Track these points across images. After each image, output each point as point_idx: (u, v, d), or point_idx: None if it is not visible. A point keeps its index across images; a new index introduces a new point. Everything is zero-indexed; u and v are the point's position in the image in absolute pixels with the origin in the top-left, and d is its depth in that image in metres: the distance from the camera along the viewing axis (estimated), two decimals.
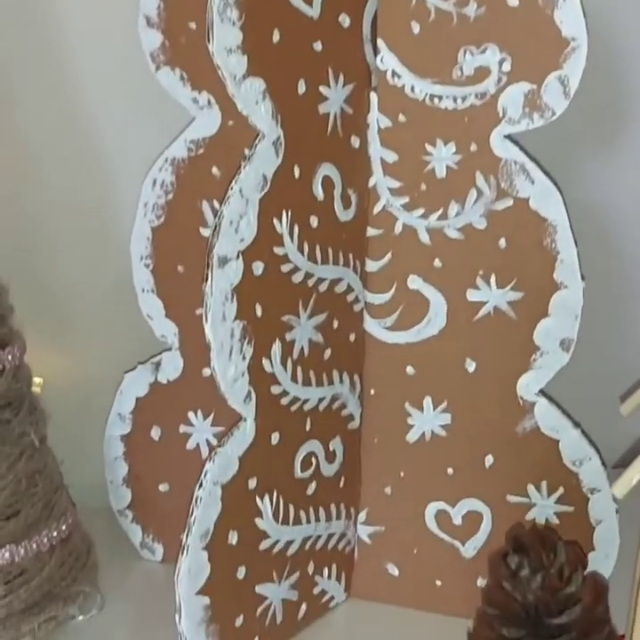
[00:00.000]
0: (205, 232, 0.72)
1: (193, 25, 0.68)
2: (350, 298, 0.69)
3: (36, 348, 0.71)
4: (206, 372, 0.69)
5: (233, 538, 0.62)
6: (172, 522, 0.75)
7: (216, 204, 0.70)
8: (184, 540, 0.59)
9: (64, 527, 0.68)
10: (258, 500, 0.64)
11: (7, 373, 0.64)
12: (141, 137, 0.74)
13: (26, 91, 0.78)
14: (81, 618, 0.68)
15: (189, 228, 0.73)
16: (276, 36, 0.57)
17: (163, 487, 0.78)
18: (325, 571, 0.71)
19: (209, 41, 0.54)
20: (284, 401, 0.64)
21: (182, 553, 0.59)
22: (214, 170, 0.71)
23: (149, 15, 0.69)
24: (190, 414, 0.76)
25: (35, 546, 0.65)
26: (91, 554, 0.71)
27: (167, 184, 0.72)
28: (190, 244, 0.72)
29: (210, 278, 0.57)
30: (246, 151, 0.62)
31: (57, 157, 0.80)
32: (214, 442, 0.76)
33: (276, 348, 0.62)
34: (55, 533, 0.67)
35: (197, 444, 0.77)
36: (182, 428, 0.77)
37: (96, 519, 0.79)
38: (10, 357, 0.65)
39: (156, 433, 0.78)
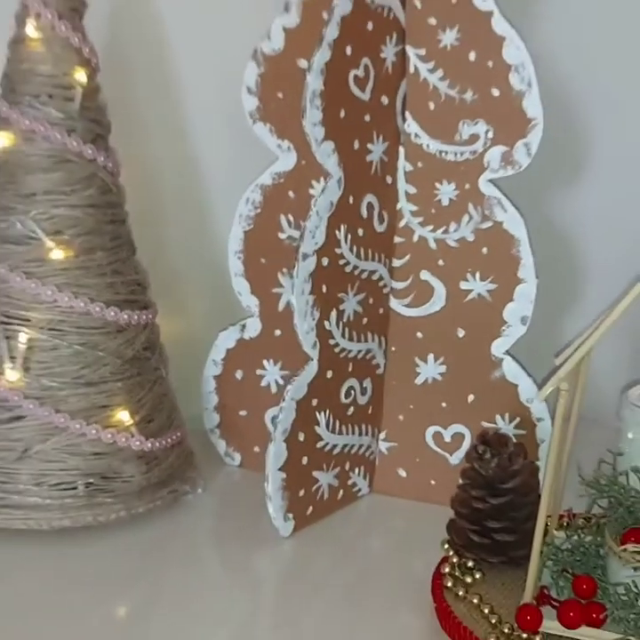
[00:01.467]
0: (282, 236, 0.92)
1: (280, 94, 0.89)
2: (381, 284, 0.89)
3: (161, 314, 0.91)
4: (277, 332, 0.94)
5: (301, 436, 0.83)
6: (247, 438, 0.97)
7: (290, 217, 0.92)
8: (272, 434, 0.81)
9: (179, 433, 0.90)
10: (317, 413, 0.85)
11: (149, 326, 0.88)
12: (241, 169, 0.94)
13: (158, 134, 1.00)
14: (190, 495, 0.89)
15: (270, 233, 0.93)
16: (342, 113, 0.80)
17: (242, 413, 0.97)
18: (356, 470, 0.91)
19: (303, 117, 0.77)
20: (336, 350, 0.85)
21: (271, 441, 0.81)
22: (290, 194, 0.91)
23: (250, 86, 0.90)
24: (264, 362, 0.95)
25: (163, 442, 0.86)
26: (194, 456, 0.93)
27: (256, 202, 0.92)
28: (270, 244, 0.93)
29: (296, 267, 0.79)
30: (322, 185, 0.83)
31: (181, 185, 1.01)
32: (281, 382, 0.95)
33: (333, 314, 0.84)
34: (174, 437, 0.88)
35: (268, 383, 0.95)
36: (258, 371, 0.95)
37: (195, 435, 0.95)
38: (151, 316, 0.88)
39: (239, 374, 0.96)
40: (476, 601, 0.72)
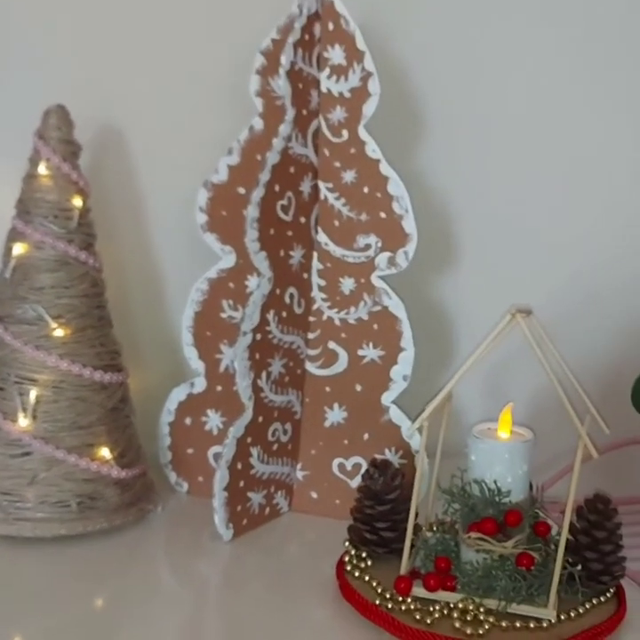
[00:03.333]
0: (223, 315, 1.07)
1: (224, 212, 1.05)
2: (299, 351, 1.04)
3: (130, 374, 1.08)
4: (218, 388, 1.09)
5: (239, 465, 0.97)
6: (193, 470, 1.10)
7: (230, 301, 1.08)
8: (218, 463, 0.97)
9: (143, 466, 1.05)
10: (251, 448, 0.99)
11: (123, 385, 1.07)
12: (192, 266, 1.08)
13: (131, 241, 1.15)
14: (152, 512, 1.03)
15: (214, 313, 1.06)
16: (272, 231, 0.99)
17: (189, 451, 1.09)
18: (279, 492, 1.04)
19: (245, 236, 0.96)
20: (265, 401, 1.00)
21: (217, 469, 0.96)
22: (230, 284, 1.06)
23: (201, 206, 1.05)
24: (208, 411, 1.09)
25: (133, 472, 1.01)
26: (153, 483, 1.09)
27: (204, 290, 1.06)
28: (214, 321, 1.07)
29: (238, 341, 0.95)
30: (255, 282, 1.03)
31: (148, 278, 1.16)
32: (221, 426, 1.07)
33: (264, 374, 1.00)
34: (140, 468, 1.03)
35: (211, 428, 1.09)
36: (203, 418, 1.09)
37: (152, 468, 1.08)
38: (125, 377, 1.07)
39: (188, 420, 1.09)
40: (367, 578, 0.89)
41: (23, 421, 0.98)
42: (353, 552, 0.93)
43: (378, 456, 1.02)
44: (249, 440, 1.01)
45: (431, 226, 1.04)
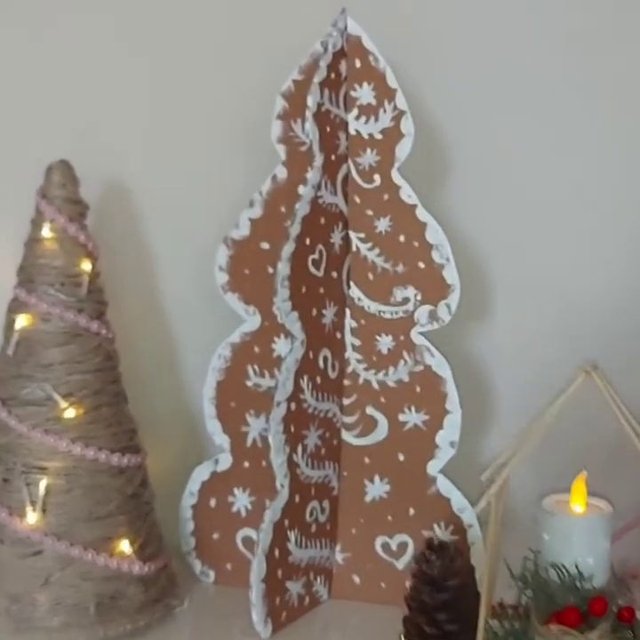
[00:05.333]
0: (249, 383, 1.02)
1: (247, 271, 1.01)
2: (335, 419, 1.00)
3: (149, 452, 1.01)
4: (245, 464, 1.03)
5: (276, 552, 0.93)
6: (220, 557, 1.05)
7: (256, 367, 1.02)
8: (255, 551, 0.91)
9: (166, 557, 1.00)
10: (288, 532, 0.95)
11: (142, 467, 0.99)
12: (213, 330, 1.04)
13: (145, 305, 1.10)
14: (178, 608, 0.99)
15: (239, 381, 1.02)
16: (303, 289, 0.93)
17: (215, 535, 1.04)
18: (319, 578, 1.00)
19: (275, 296, 0.90)
20: (302, 478, 0.96)
21: (254, 557, 0.91)
22: (255, 349, 1.02)
23: (221, 265, 1.01)
24: (235, 490, 1.03)
25: (156, 565, 0.97)
26: (176, 575, 1.03)
27: (227, 357, 1.02)
28: (239, 390, 1.03)
29: (272, 413, 0.91)
30: (283, 344, 0.98)
31: (164, 345, 1.12)
32: (249, 507, 1.03)
33: (299, 448, 0.95)
34: (162, 560, 0.99)
35: (238, 509, 1.03)
36: (229, 499, 1.03)
37: (173, 556, 1.02)
38: (143, 457, 0.99)
39: (213, 502, 1.04)
40: None
41: (32, 516, 0.92)
42: None
43: (426, 533, 0.98)
44: (286, 523, 0.95)
45: (462, 273, 0.98)
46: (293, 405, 0.94)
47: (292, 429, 0.95)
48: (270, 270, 0.98)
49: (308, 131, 0.93)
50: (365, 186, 0.99)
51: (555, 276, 1.12)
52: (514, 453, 0.83)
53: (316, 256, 0.96)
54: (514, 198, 1.11)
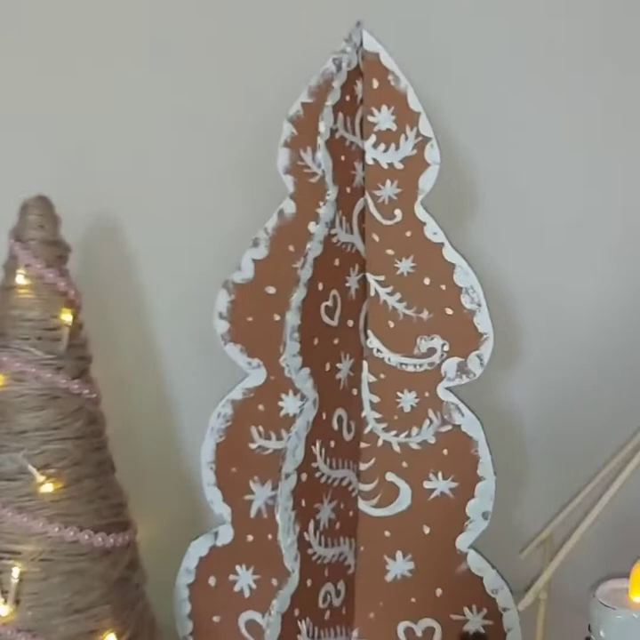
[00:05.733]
0: (253, 445, 0.94)
1: (250, 319, 0.93)
2: (350, 488, 0.92)
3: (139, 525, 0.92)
4: (249, 538, 0.95)
5: None
6: None
7: (260, 428, 0.94)
8: None
9: None
10: (299, 623, 0.85)
11: (131, 545, 0.89)
12: (211, 385, 0.96)
13: (133, 357, 1.02)
14: None
15: (241, 444, 0.94)
16: (316, 342, 0.84)
17: (216, 619, 0.96)
18: None
19: (283, 351, 0.80)
20: (314, 558, 0.87)
21: None
22: (260, 407, 0.94)
23: (221, 311, 0.93)
24: (237, 567, 0.95)
25: None
26: None
27: (227, 416, 0.94)
28: (241, 454, 0.94)
29: (280, 487, 0.81)
30: (292, 402, 0.91)
31: (154, 402, 1.03)
32: (254, 586, 0.95)
33: (311, 525, 0.86)
34: None
35: (241, 588, 0.95)
36: (231, 577, 0.95)
37: None
38: (132, 535, 0.88)
39: (212, 581, 0.96)
40: None
41: (3, 609, 0.81)
42: None
43: (456, 617, 0.92)
44: (296, 613, 0.86)
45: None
46: (304, 476, 0.85)
47: (303, 504, 0.85)
48: (277, 318, 0.93)
49: (320, 160, 0.85)
50: (385, 222, 0.91)
51: (585, 317, 1.07)
52: (570, 538, 0.72)
53: (329, 303, 0.87)
54: (546, 234, 1.07)
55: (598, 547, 0.96)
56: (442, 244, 0.89)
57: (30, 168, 0.98)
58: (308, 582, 0.87)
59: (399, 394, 0.92)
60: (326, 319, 0.86)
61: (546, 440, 1.07)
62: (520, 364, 1.07)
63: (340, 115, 0.86)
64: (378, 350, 0.93)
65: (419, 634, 0.93)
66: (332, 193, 0.85)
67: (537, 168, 1.05)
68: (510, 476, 1.03)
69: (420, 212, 0.89)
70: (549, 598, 0.73)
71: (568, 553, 0.73)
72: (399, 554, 0.94)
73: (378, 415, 0.93)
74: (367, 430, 0.94)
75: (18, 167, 0.98)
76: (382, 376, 0.93)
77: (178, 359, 1.03)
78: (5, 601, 0.80)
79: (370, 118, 0.90)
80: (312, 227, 0.85)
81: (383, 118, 0.89)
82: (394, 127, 0.89)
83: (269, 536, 0.92)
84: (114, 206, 1.00)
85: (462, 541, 0.91)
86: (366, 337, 0.93)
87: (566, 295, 1.07)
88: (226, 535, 0.96)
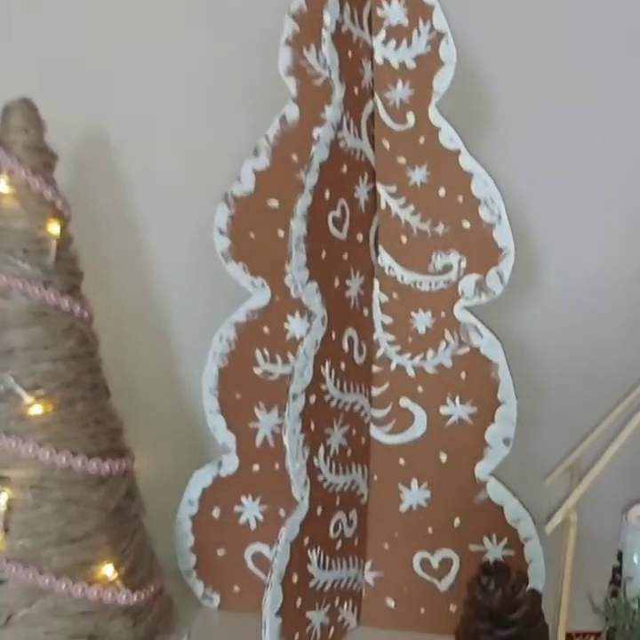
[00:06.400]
0: (257, 370, 0.92)
1: (252, 235, 0.90)
2: (362, 413, 0.90)
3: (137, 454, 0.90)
4: (255, 467, 0.93)
5: (295, 578, 0.82)
6: (226, 578, 0.95)
7: (265, 351, 0.92)
8: (268, 578, 0.79)
9: (159, 582, 0.89)
10: (309, 552, 0.84)
11: (128, 474, 0.86)
12: (213, 307, 0.94)
13: (127, 277, 0.98)
14: None
15: (245, 368, 0.92)
16: (323, 254, 0.81)
17: (220, 552, 0.95)
18: (345, 604, 0.91)
19: (288, 262, 0.77)
20: (325, 485, 0.85)
21: (267, 587, 0.79)
22: (265, 329, 0.91)
23: (221, 227, 0.90)
24: (242, 498, 0.94)
25: (146, 593, 0.85)
26: (173, 602, 0.91)
27: (230, 339, 0.92)
28: (246, 379, 0.93)
29: (287, 408, 0.78)
30: (299, 323, 0.87)
31: (151, 326, 1.00)
32: (260, 518, 0.94)
33: (321, 450, 0.83)
34: (154, 587, 0.87)
35: (247, 520, 0.95)
36: (236, 508, 0.95)
37: (169, 577, 0.93)
38: (129, 462, 0.86)
39: (216, 512, 0.95)
40: None
41: None
42: None
43: (474, 547, 0.89)
44: (306, 542, 0.84)
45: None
46: (313, 398, 0.82)
47: (312, 427, 0.82)
48: (280, 234, 0.89)
49: (326, 55, 0.80)
50: (396, 127, 0.88)
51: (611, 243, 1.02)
52: (600, 460, 0.67)
53: (337, 213, 0.83)
54: (560, 153, 1.00)
55: (620, 478, 0.91)
56: (458, 151, 0.85)
57: (14, 68, 0.94)
58: (319, 510, 0.84)
59: (413, 314, 0.90)
60: (334, 231, 0.82)
61: (568, 368, 1.03)
62: (537, 290, 1.03)
63: (347, 6, 0.81)
64: (390, 268, 0.90)
65: (435, 565, 0.92)
66: (338, 93, 0.81)
67: (552, 80, 0.98)
68: (531, 402, 0.99)
69: (434, 115, 0.86)
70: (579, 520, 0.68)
71: (598, 474, 0.68)
72: (414, 482, 0.92)
73: (391, 337, 0.90)
74: (379, 354, 0.91)
75: (1, 68, 0.95)
76: (395, 295, 0.90)
77: (176, 280, 1.01)
78: None
79: (379, 11, 0.85)
80: (317, 131, 0.81)
81: (394, 11, 0.85)
82: (405, 21, 0.85)
83: (276, 465, 0.91)
84: (107, 113, 0.97)
85: (481, 469, 0.89)
86: (377, 253, 0.90)
87: (582, 218, 1.02)
88: (230, 465, 0.95)
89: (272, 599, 0.80)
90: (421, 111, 0.86)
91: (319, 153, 0.79)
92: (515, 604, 0.75)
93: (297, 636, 0.83)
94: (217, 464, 0.95)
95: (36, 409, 0.80)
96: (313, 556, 0.85)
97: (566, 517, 0.67)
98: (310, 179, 0.78)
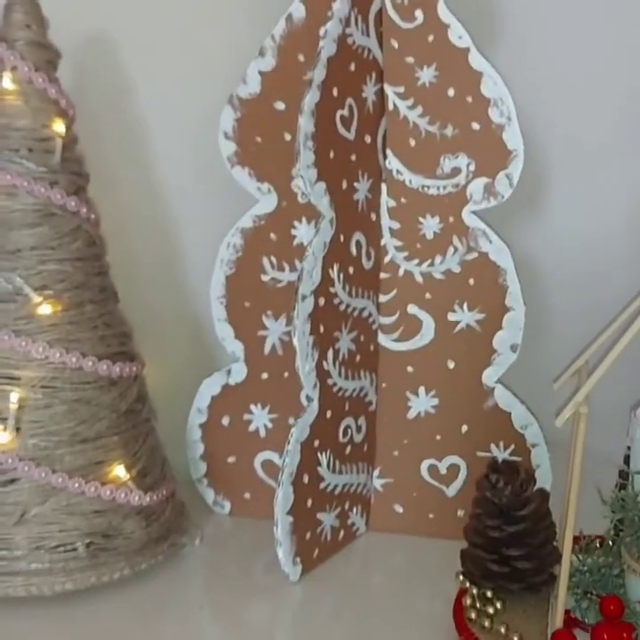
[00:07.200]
0: (265, 278, 0.91)
1: (258, 138, 0.89)
2: (370, 320, 0.89)
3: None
4: (264, 375, 0.93)
5: (305, 478, 0.83)
6: (237, 485, 0.96)
7: (273, 259, 0.91)
8: (279, 477, 0.80)
9: (172, 486, 0.88)
10: (319, 454, 0.84)
11: (139, 378, 0.86)
12: (219, 213, 0.93)
13: (131, 181, 0.98)
14: (188, 547, 0.87)
15: (253, 276, 0.92)
16: (331, 154, 0.80)
17: (230, 460, 0.95)
18: (355, 508, 0.91)
19: (297, 160, 0.76)
20: (334, 389, 0.85)
21: (278, 486, 0.79)
22: (272, 235, 0.90)
23: (226, 131, 0.89)
24: (251, 406, 0.94)
25: (159, 495, 0.85)
26: (185, 506, 0.91)
27: (237, 246, 0.91)
28: (253, 287, 0.92)
29: (296, 309, 0.78)
30: (306, 229, 0.86)
31: (156, 232, 1.00)
32: (270, 425, 0.94)
33: (330, 353, 0.83)
34: (168, 489, 0.87)
35: (257, 428, 0.95)
36: (245, 416, 0.95)
37: (181, 485, 0.92)
38: (140, 367, 0.86)
39: (225, 420, 0.95)
40: (503, 630, 0.72)
41: (2, 436, 0.78)
42: (474, 591, 0.76)
43: (482, 453, 0.89)
44: (316, 444, 0.84)
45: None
46: (322, 300, 0.82)
47: (322, 330, 0.82)
48: (287, 137, 0.88)
49: None
50: (404, 25, 0.86)
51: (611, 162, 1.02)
52: (604, 358, 0.67)
53: (345, 112, 0.81)
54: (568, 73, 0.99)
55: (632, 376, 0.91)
56: (468, 49, 0.83)
57: None
58: (328, 414, 0.84)
59: (421, 219, 0.89)
60: (342, 130, 0.81)
61: (574, 274, 1.03)
62: (545, 206, 1.03)
63: None
64: (398, 171, 0.88)
65: (443, 471, 0.91)
66: None
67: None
68: (538, 308, 1.00)
69: (443, 12, 0.84)
70: (589, 414, 0.68)
71: (606, 371, 0.67)
72: (422, 389, 0.91)
73: (398, 243, 0.89)
74: (387, 259, 0.90)
75: None
76: (403, 200, 0.89)
77: (181, 185, 0.99)
78: (5, 428, 0.77)
79: None
80: (325, 28, 0.79)
81: None
82: None
83: (286, 373, 0.91)
84: (109, 14, 0.95)
85: (489, 376, 0.89)
86: (385, 157, 0.88)
87: (590, 126, 1.01)
88: (239, 373, 0.94)
89: (283, 497, 0.81)
90: (430, 8, 0.84)
91: (327, 48, 0.77)
92: (523, 501, 0.76)
93: (308, 535, 0.84)
94: (226, 372, 0.94)
95: (45, 309, 0.79)
96: (323, 458, 0.85)
97: (576, 410, 0.66)
98: (318, 74, 0.77)
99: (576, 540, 0.76)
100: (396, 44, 0.86)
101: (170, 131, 0.98)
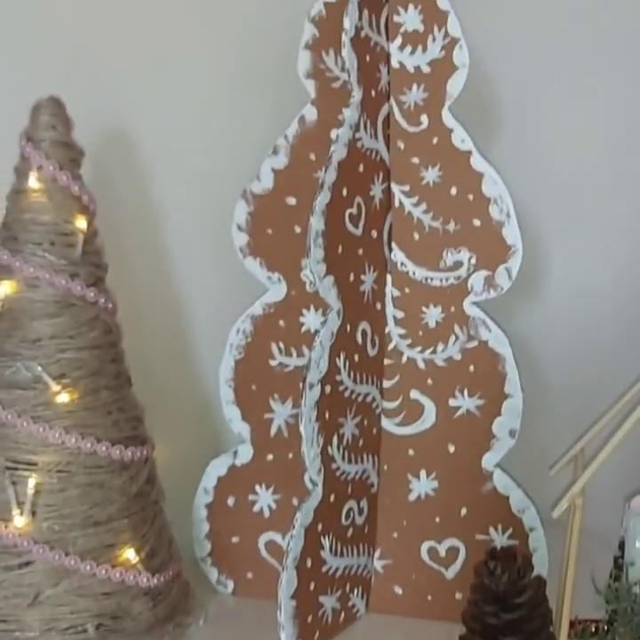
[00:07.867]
0: (273, 362, 0.93)
1: (270, 231, 0.92)
2: (374, 404, 0.91)
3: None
4: (269, 457, 0.95)
5: (308, 562, 0.84)
6: (240, 564, 0.97)
7: (281, 344, 0.93)
8: (283, 561, 0.81)
9: (178, 565, 0.90)
10: (322, 538, 0.85)
11: (149, 461, 0.88)
12: (230, 300, 0.96)
13: (147, 269, 1.01)
14: (192, 625, 0.88)
15: (261, 361, 0.94)
16: (340, 250, 0.83)
17: (234, 539, 0.96)
18: (355, 590, 0.92)
19: (307, 256, 0.79)
20: (337, 473, 0.86)
21: (283, 570, 0.81)
22: (281, 322, 0.93)
23: (240, 223, 0.92)
24: (256, 487, 0.95)
25: (166, 576, 0.87)
26: (190, 585, 0.93)
27: (247, 331, 0.94)
28: (261, 371, 0.94)
29: (304, 397, 0.80)
30: (313, 317, 0.89)
31: (169, 318, 1.03)
32: (274, 506, 0.95)
33: (335, 439, 0.85)
34: (173, 570, 0.89)
35: (261, 508, 0.96)
36: (250, 497, 0.96)
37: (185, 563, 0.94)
38: (150, 450, 0.88)
39: (231, 501, 0.96)
40: None
41: (19, 521, 0.81)
42: None
43: (480, 537, 0.91)
44: (319, 528, 0.85)
45: None
46: (328, 388, 0.84)
47: (327, 416, 0.84)
48: (297, 230, 0.91)
49: (345, 58, 0.82)
50: (411, 129, 0.90)
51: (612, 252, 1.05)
52: (603, 447, 0.69)
53: (353, 210, 0.85)
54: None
55: (623, 469, 0.92)
56: (469, 151, 0.87)
57: (42, 67, 0.96)
58: (332, 497, 0.86)
59: (424, 309, 0.91)
60: (350, 227, 0.84)
61: (572, 361, 1.05)
62: (542, 291, 1.06)
63: (366, 12, 0.84)
64: (402, 264, 0.91)
65: (442, 554, 0.92)
66: (356, 94, 0.83)
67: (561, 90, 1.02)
68: (536, 394, 0.99)
69: (447, 118, 0.87)
70: (584, 504, 0.71)
71: (604, 461, 0.70)
72: (423, 472, 0.93)
73: (402, 331, 0.92)
74: (391, 346, 0.92)
75: (29, 66, 0.96)
76: (407, 290, 0.92)
77: (195, 273, 1.02)
78: (21, 512, 0.80)
79: (396, 18, 0.87)
80: (336, 131, 0.83)
81: (410, 18, 0.87)
82: (421, 28, 0.87)
83: (290, 455, 0.92)
84: (130, 112, 0.99)
85: (488, 460, 0.90)
86: (390, 250, 0.91)
87: (586, 226, 1.05)
88: (245, 454, 0.96)
89: (287, 582, 0.82)
90: (435, 113, 0.88)
91: (338, 152, 0.81)
92: (520, 588, 0.75)
93: (310, 618, 0.85)
94: (232, 454, 0.96)
95: (63, 397, 0.82)
96: (326, 542, 0.86)
97: (572, 502, 0.69)
98: (329, 176, 0.80)
99: (572, 624, 0.78)
100: (402, 146, 0.89)
101: (186, 222, 1.02)
